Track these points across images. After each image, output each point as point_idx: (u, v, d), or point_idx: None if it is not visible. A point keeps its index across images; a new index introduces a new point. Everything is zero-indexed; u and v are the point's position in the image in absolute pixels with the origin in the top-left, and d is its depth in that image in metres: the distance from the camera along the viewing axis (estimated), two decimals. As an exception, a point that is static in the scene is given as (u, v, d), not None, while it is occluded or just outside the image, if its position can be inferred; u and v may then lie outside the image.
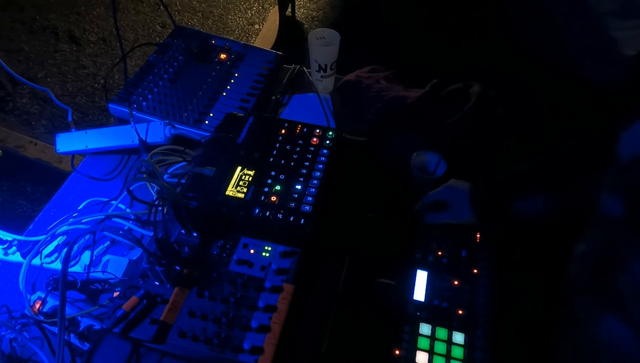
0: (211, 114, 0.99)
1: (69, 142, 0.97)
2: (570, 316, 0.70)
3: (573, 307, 0.69)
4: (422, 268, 0.77)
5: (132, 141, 0.94)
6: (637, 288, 0.53)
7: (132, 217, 0.86)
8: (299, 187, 0.72)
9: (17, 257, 0.80)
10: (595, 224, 0.63)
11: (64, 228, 0.83)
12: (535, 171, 0.74)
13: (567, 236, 0.76)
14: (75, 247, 0.80)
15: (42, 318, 0.71)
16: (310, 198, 0.71)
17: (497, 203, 0.76)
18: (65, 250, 0.59)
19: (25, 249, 0.81)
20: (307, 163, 0.76)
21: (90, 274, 0.76)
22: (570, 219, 0.76)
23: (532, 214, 0.74)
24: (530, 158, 0.75)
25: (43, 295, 0.73)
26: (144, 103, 1.00)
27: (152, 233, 0.66)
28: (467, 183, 0.80)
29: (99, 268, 0.78)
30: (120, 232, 0.61)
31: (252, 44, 1.26)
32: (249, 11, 2.77)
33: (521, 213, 0.74)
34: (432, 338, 0.69)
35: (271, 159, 0.77)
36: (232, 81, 1.06)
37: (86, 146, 0.96)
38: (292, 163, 0.76)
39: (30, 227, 0.88)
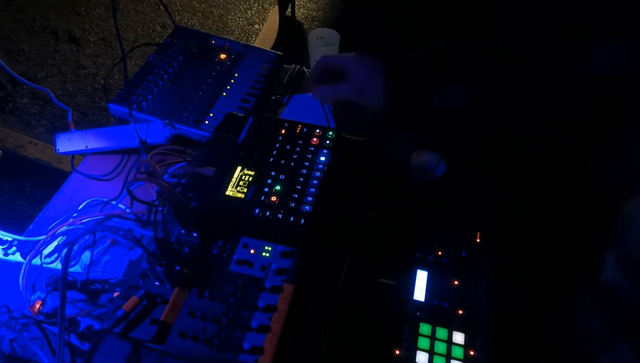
0: (211, 114, 0.99)
1: (69, 142, 0.97)
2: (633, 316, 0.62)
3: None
4: (422, 268, 0.77)
5: (132, 141, 0.94)
6: None
7: (132, 217, 0.86)
8: (299, 187, 0.72)
9: (17, 257, 0.80)
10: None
11: (64, 228, 0.83)
12: (452, 53, 0.68)
13: (568, 234, 0.75)
14: (75, 247, 0.80)
15: (42, 318, 0.71)
16: (310, 198, 0.71)
17: (413, 84, 0.69)
18: (65, 250, 0.59)
19: (25, 249, 0.81)
20: (307, 163, 0.76)
21: (90, 274, 0.76)
22: (479, 109, 0.72)
23: (445, 98, 0.69)
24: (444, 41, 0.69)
25: (43, 295, 0.73)
26: (143, 103, 1.00)
27: (152, 233, 0.67)
28: (376, 58, 0.70)
29: (99, 268, 0.78)
30: (120, 232, 0.61)
31: (252, 44, 1.27)
32: (249, 11, 2.77)
33: (435, 97, 0.68)
34: (432, 338, 0.69)
35: (271, 159, 0.77)
36: (232, 81, 1.06)
37: (86, 146, 0.96)
38: (292, 163, 0.76)
39: (30, 227, 0.88)
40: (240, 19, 2.72)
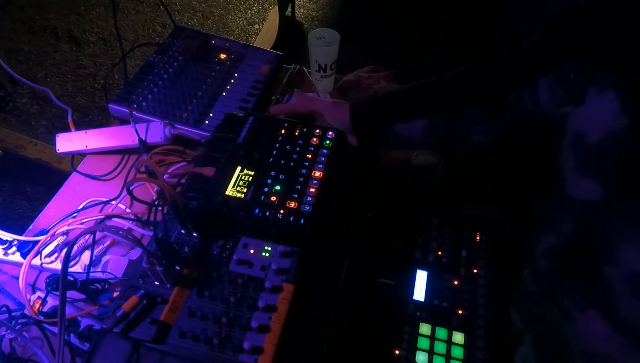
0: (211, 114, 0.99)
1: (69, 142, 0.97)
2: (536, 315, 0.70)
3: (541, 304, 0.67)
4: (422, 268, 0.77)
5: (132, 141, 0.94)
6: (627, 279, 0.50)
7: (132, 217, 0.86)
8: (298, 187, 0.72)
9: (17, 257, 0.80)
10: (566, 211, 0.59)
11: (64, 228, 0.83)
12: (416, 92, 0.73)
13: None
14: (75, 247, 0.80)
15: (42, 318, 0.71)
16: (310, 198, 0.71)
17: (375, 118, 0.76)
18: (65, 249, 0.59)
19: (25, 249, 0.81)
20: (307, 163, 0.76)
21: (90, 274, 0.76)
22: (444, 145, 0.80)
23: (408, 134, 0.75)
24: (414, 81, 0.74)
25: (43, 295, 0.73)
26: (143, 103, 1.00)
27: (152, 233, 0.67)
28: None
29: (99, 268, 0.78)
30: (120, 232, 0.61)
31: (252, 44, 1.27)
32: (249, 11, 2.77)
33: (398, 132, 0.75)
34: (432, 338, 0.69)
35: (271, 159, 0.77)
36: (232, 81, 1.06)
37: (86, 146, 0.96)
38: (292, 163, 0.76)
39: (30, 227, 0.88)
40: (240, 19, 2.72)
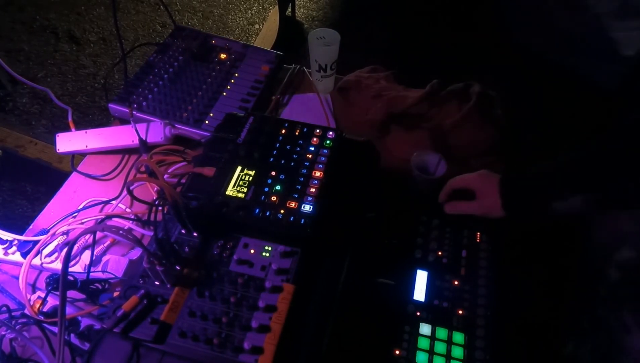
0: (211, 114, 0.99)
1: (69, 142, 0.97)
2: (597, 318, 0.69)
3: (605, 311, 0.67)
4: (422, 268, 0.77)
5: (132, 141, 0.94)
6: None
7: (132, 217, 0.86)
8: (299, 187, 0.72)
9: (17, 257, 0.80)
10: None
11: (64, 227, 0.83)
12: (571, 169, 0.72)
13: (569, 236, 0.75)
14: (75, 247, 0.80)
15: (42, 318, 0.71)
16: (311, 198, 0.71)
17: (531, 199, 0.74)
18: (65, 249, 0.59)
19: (25, 249, 0.81)
20: (307, 163, 0.76)
21: (90, 274, 0.76)
22: (607, 212, 0.77)
23: (567, 210, 0.72)
24: (560, 155, 0.73)
25: (43, 295, 0.73)
26: (144, 103, 1.00)
27: (152, 233, 0.66)
28: (497, 175, 0.78)
29: (99, 268, 0.78)
30: (121, 232, 0.61)
31: (252, 44, 1.27)
32: (249, 11, 2.77)
33: (556, 210, 0.73)
34: (432, 338, 0.69)
35: (271, 159, 0.77)
36: (232, 80, 1.06)
37: (86, 146, 0.96)
38: (292, 163, 0.76)
39: (31, 227, 0.88)
40: (241, 19, 2.72)
